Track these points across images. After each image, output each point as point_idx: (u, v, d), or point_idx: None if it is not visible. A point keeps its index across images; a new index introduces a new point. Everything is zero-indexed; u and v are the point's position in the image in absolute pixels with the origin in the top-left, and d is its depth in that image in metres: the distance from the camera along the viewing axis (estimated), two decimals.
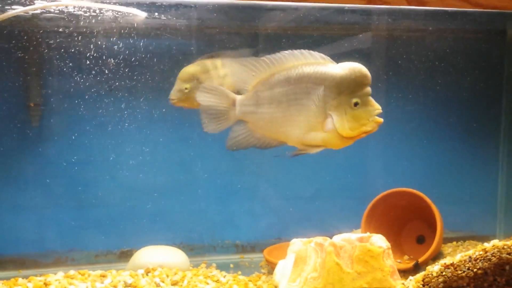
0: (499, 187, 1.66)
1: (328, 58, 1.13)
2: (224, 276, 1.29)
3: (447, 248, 1.50)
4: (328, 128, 1.13)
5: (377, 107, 1.11)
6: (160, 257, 1.26)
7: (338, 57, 1.14)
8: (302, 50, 1.15)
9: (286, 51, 1.15)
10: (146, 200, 1.50)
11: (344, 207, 1.57)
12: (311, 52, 1.14)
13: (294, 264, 1.14)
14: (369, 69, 1.57)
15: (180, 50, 1.46)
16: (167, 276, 1.20)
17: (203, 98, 1.20)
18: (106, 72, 1.40)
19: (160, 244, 1.40)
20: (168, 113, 1.47)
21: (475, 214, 1.63)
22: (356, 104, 1.11)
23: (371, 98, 1.12)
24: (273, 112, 1.16)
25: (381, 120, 1.11)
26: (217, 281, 1.25)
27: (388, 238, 1.41)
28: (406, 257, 1.39)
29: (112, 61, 1.40)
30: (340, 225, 1.45)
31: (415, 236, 1.46)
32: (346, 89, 1.11)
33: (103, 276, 1.14)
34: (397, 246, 1.44)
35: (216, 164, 1.53)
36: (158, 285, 1.14)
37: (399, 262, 1.36)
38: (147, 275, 1.19)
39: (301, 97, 1.14)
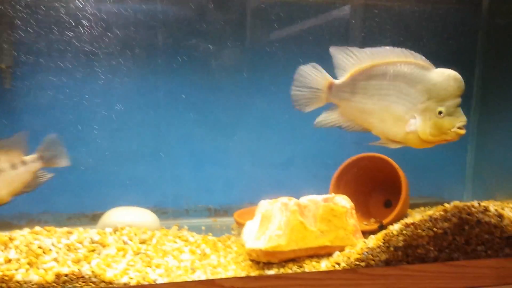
0: (468, 154, 1.69)
1: (428, 61, 1.16)
2: (193, 236, 1.31)
3: (414, 213, 1.53)
4: (410, 129, 1.16)
5: (462, 119, 1.13)
6: (129, 217, 1.28)
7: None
8: (404, 49, 1.17)
9: (388, 47, 1.19)
10: (120, 164, 1.51)
11: (316, 173, 1.59)
12: (413, 52, 1.16)
13: (260, 223, 1.16)
14: (344, 39, 1.59)
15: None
16: (135, 235, 1.21)
17: (300, 76, 1.25)
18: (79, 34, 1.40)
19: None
20: (145, 77, 1.48)
21: (444, 181, 1.67)
22: (440, 113, 1.13)
23: (459, 109, 1.14)
24: (366, 102, 1.20)
25: (464, 132, 1.13)
26: (186, 240, 1.27)
27: (357, 202, 1.44)
28: (373, 219, 1.42)
29: (86, 23, 1.40)
30: (312, 190, 1.47)
31: (383, 200, 1.49)
32: (436, 96, 1.14)
33: (70, 232, 1.16)
34: (365, 210, 1.48)
35: (190, 129, 1.54)
36: (125, 243, 1.16)
37: (366, 224, 1.39)
38: (115, 233, 1.21)
39: (392, 94, 1.17)
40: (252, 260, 1.16)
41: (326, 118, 1.26)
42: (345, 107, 1.23)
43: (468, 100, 1.67)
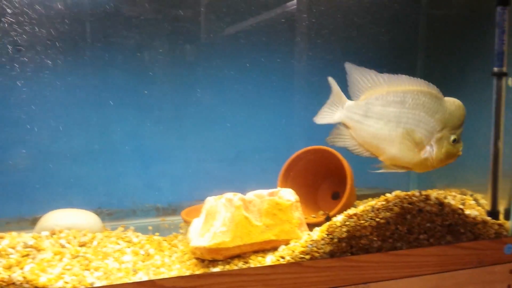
0: None
1: (439, 90, 1.20)
2: (137, 237, 1.27)
3: (362, 204, 1.54)
4: (424, 156, 1.19)
5: (461, 144, 1.21)
6: (68, 219, 1.22)
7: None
8: (420, 79, 1.20)
9: (404, 75, 1.21)
10: (62, 165, 1.45)
11: (265, 168, 1.58)
12: (427, 82, 1.20)
13: (204, 220, 1.14)
14: (289, 28, 1.59)
15: None
16: (74, 237, 1.16)
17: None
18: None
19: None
20: (86, 73, 1.43)
21: (389, 172, 1.69)
22: (454, 140, 1.19)
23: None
24: (380, 128, 1.21)
25: (460, 154, 1.21)
26: (129, 241, 1.23)
27: (305, 195, 1.46)
28: (321, 212, 1.42)
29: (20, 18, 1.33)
30: (262, 185, 1.46)
31: (330, 193, 1.49)
32: (451, 125, 1.19)
33: (1, 237, 1.10)
34: (314, 202, 1.48)
35: (135, 126, 1.50)
36: (63, 246, 1.11)
37: (314, 217, 1.39)
38: (52, 236, 1.15)
39: (411, 123, 1.19)
40: (197, 259, 1.13)
41: (337, 137, 1.27)
42: (355, 130, 1.25)
43: None
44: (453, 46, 1.58)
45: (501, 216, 1.29)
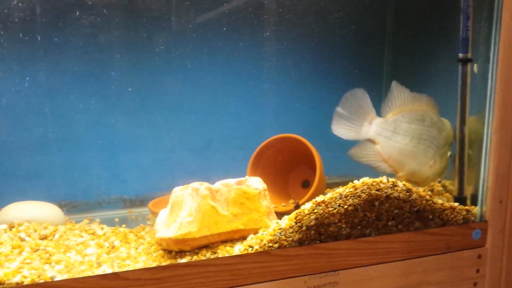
0: None
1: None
2: (102, 229, 1.23)
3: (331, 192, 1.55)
4: (431, 171, 1.30)
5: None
6: (28, 212, 1.17)
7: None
8: (427, 96, 1.31)
9: (425, 94, 1.30)
10: (24, 156, 1.39)
11: (234, 156, 1.56)
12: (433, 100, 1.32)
13: (170, 211, 1.11)
14: (257, 15, 1.56)
15: None
16: (35, 230, 1.12)
17: (347, 101, 1.29)
18: None
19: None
20: (48, 61, 1.37)
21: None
22: (450, 155, 1.32)
23: None
24: (405, 144, 1.28)
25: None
26: (93, 233, 1.19)
27: (275, 183, 1.44)
28: (291, 201, 1.41)
29: None
30: (231, 174, 1.44)
31: (301, 181, 1.48)
32: (449, 142, 1.32)
33: None
34: (284, 191, 1.47)
35: (99, 115, 1.44)
36: (22, 239, 1.07)
37: (284, 206, 1.38)
38: (10, 230, 1.11)
39: (428, 139, 1.29)
40: (164, 250, 1.11)
41: (361, 152, 1.30)
42: (383, 146, 1.28)
43: (379, 80, 1.70)
44: (419, 32, 1.59)
45: (468, 202, 1.30)
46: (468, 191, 1.31)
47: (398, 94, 1.29)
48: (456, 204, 1.26)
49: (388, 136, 1.28)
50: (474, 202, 1.28)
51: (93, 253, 1.08)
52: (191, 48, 1.50)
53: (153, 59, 1.47)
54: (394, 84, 1.30)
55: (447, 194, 1.39)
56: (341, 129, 1.30)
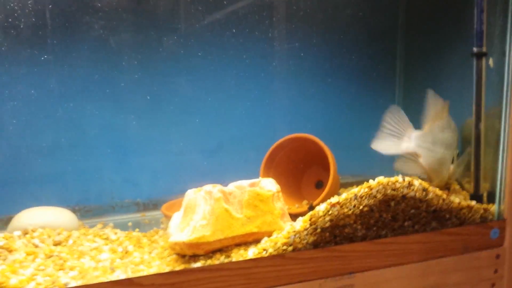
0: None
1: None
2: (116, 233, 1.23)
3: (346, 192, 1.52)
4: (449, 173, 1.35)
5: None
6: (42, 217, 1.18)
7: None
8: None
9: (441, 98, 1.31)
10: (36, 162, 1.39)
11: (247, 158, 1.55)
12: None
13: (183, 214, 1.10)
14: (267, 16, 1.55)
15: None
16: (49, 236, 1.12)
17: (386, 119, 1.30)
18: None
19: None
20: (59, 66, 1.37)
21: (374, 159, 1.66)
22: (458, 153, 1.37)
23: None
24: (443, 153, 1.30)
25: None
26: (107, 238, 1.19)
27: (288, 184, 1.43)
28: (305, 201, 1.39)
29: None
30: (244, 175, 1.43)
31: (314, 182, 1.47)
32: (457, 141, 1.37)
33: None
34: (297, 192, 1.45)
35: (111, 118, 1.44)
36: (36, 246, 1.07)
37: (298, 207, 1.36)
38: (24, 236, 1.11)
39: (453, 145, 1.33)
40: (178, 254, 1.10)
41: (406, 165, 1.29)
42: (425, 157, 1.27)
43: (392, 78, 1.68)
44: (431, 27, 1.56)
45: (485, 199, 1.28)
46: (484, 189, 1.28)
47: (433, 104, 1.30)
48: (474, 202, 1.23)
49: (429, 148, 1.28)
50: (491, 200, 1.26)
51: (107, 258, 1.08)
52: (201, 49, 1.49)
53: (163, 61, 1.47)
54: (430, 93, 1.29)
55: (464, 192, 1.36)
56: (383, 145, 1.30)
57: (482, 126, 1.24)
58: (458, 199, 1.21)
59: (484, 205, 1.23)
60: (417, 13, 1.63)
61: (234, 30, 1.51)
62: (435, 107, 1.29)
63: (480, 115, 1.24)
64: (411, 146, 1.28)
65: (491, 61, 1.23)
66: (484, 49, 1.22)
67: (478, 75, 1.23)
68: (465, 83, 1.27)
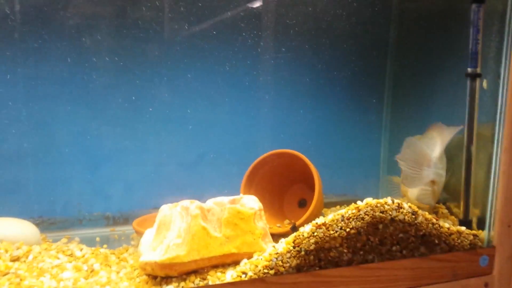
0: (381, 151, 1.65)
1: None
2: (81, 249, 1.13)
3: (330, 212, 1.45)
4: None
5: None
6: (0, 229, 1.07)
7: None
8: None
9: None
10: None
11: (228, 173, 1.47)
12: None
13: (156, 231, 1.02)
14: (253, 27, 1.49)
15: None
16: (6, 251, 1.01)
17: (404, 153, 1.28)
18: None
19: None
20: (26, 66, 1.27)
21: (358, 178, 1.62)
22: None
23: None
24: (445, 175, 1.29)
25: None
26: (71, 255, 1.09)
27: (270, 202, 1.35)
28: (287, 221, 1.32)
29: None
30: (224, 191, 1.35)
31: (297, 200, 1.40)
32: None
33: None
34: (279, 210, 1.38)
35: (82, 125, 1.35)
36: None
37: (279, 227, 1.29)
38: None
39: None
40: (149, 275, 1.01)
41: (424, 192, 1.27)
42: (438, 183, 1.27)
43: (380, 96, 1.64)
44: (425, 45, 1.52)
45: (474, 225, 1.23)
46: (473, 214, 1.24)
47: (440, 133, 1.31)
48: (463, 228, 1.18)
49: (442, 174, 1.28)
50: (481, 226, 1.21)
51: (70, 277, 0.97)
52: (183, 58, 1.42)
53: (142, 66, 1.39)
54: (436, 124, 1.32)
55: (452, 217, 1.31)
56: (409, 182, 1.29)
57: (473, 149, 1.20)
58: (448, 224, 1.16)
59: (474, 231, 1.19)
60: (409, 31, 1.59)
61: (219, 41, 1.44)
62: (441, 134, 1.30)
63: (472, 138, 1.20)
64: (431, 174, 1.26)
65: (485, 83, 1.19)
66: (478, 70, 1.19)
67: (471, 96, 1.19)
68: (457, 103, 1.23)
